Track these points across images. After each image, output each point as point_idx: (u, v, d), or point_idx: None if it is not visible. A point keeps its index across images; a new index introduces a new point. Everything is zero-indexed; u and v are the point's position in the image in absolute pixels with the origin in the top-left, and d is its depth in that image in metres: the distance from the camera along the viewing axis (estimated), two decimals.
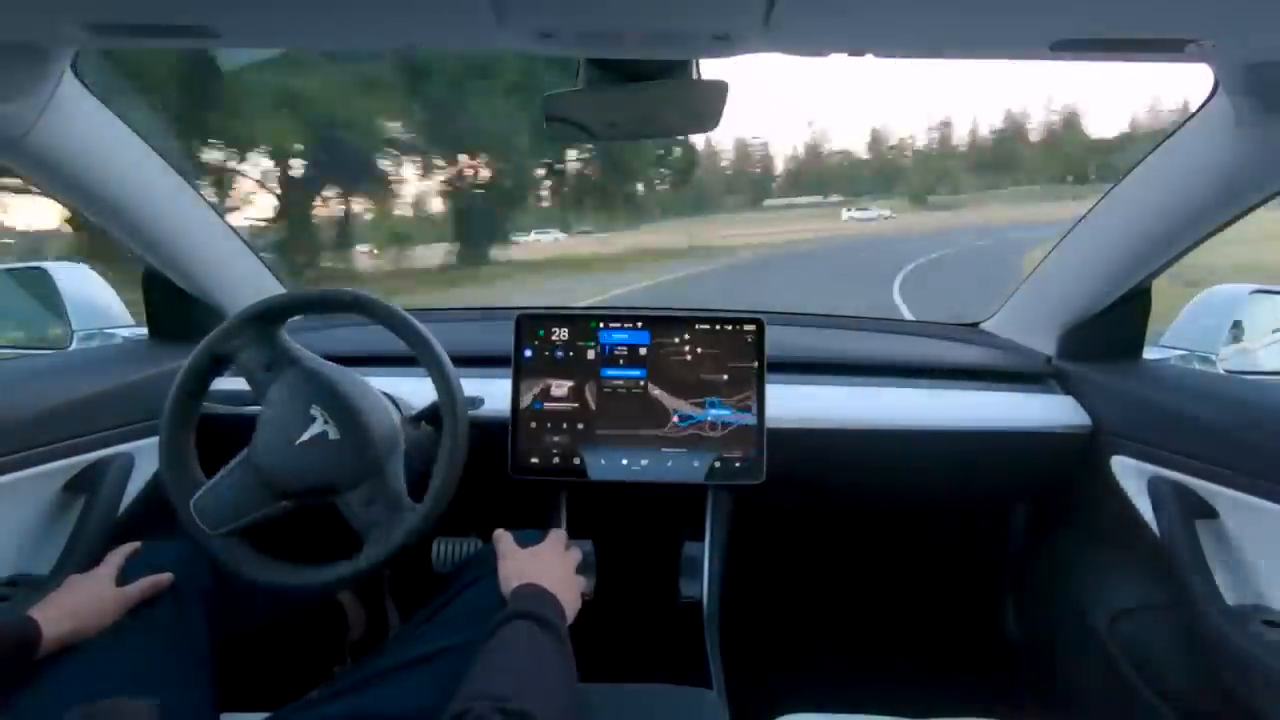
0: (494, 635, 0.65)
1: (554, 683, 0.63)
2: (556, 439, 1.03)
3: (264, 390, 0.84)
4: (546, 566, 0.77)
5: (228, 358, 0.87)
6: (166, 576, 0.78)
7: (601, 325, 1.04)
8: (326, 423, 0.82)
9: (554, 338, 1.04)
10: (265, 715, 0.73)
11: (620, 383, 1.03)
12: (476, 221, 16.42)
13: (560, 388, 1.03)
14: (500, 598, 0.74)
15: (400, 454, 0.87)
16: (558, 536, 0.85)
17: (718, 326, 1.04)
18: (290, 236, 12.86)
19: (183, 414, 0.85)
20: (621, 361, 1.04)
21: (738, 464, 1.01)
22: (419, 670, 0.72)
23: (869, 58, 0.64)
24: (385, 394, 0.93)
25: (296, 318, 1.32)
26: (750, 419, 1.02)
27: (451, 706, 0.56)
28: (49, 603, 0.72)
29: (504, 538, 0.82)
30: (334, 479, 0.82)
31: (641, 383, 1.03)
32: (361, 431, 0.82)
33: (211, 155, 11.11)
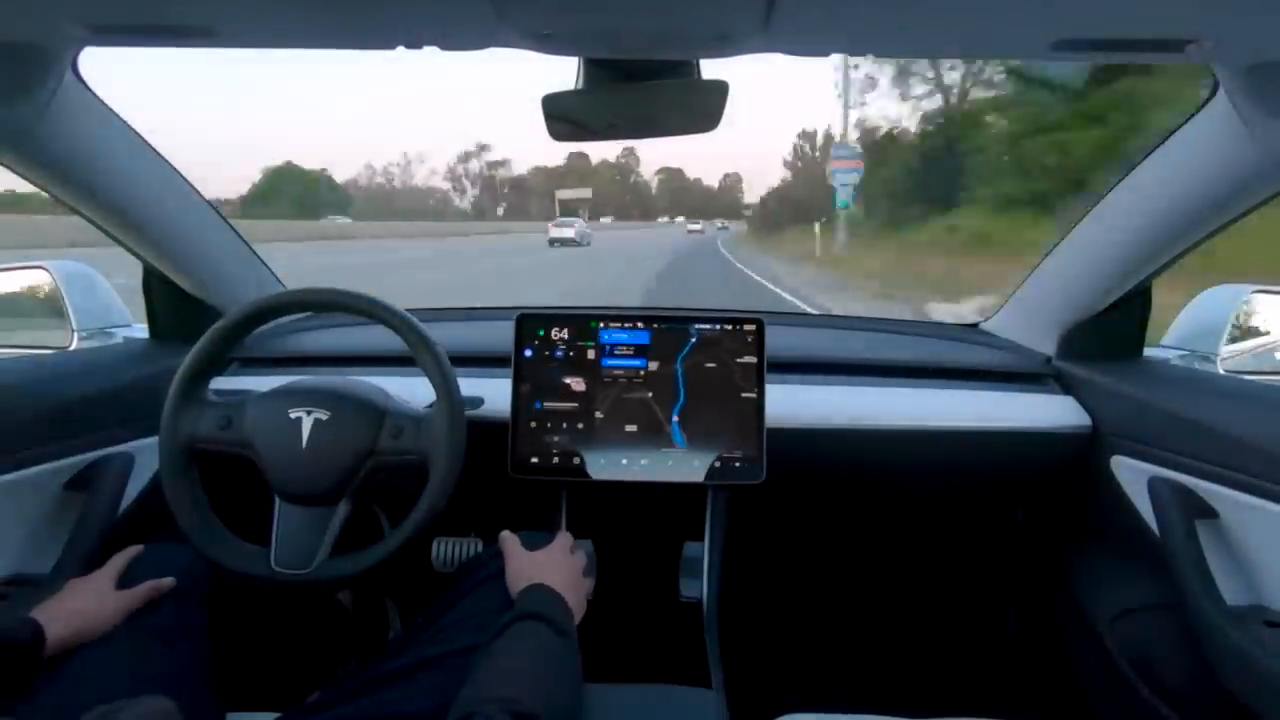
0: (502, 635, 0.65)
1: (562, 685, 0.62)
2: (556, 439, 1.03)
3: (239, 438, 0.84)
4: (554, 568, 0.77)
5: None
6: (168, 580, 0.78)
7: (602, 325, 1.04)
8: (310, 413, 0.84)
9: (554, 337, 1.04)
10: (270, 716, 0.73)
11: (620, 382, 1.03)
12: None
13: (560, 387, 1.03)
14: (506, 599, 0.74)
15: (390, 397, 0.90)
16: (564, 538, 0.85)
17: (718, 326, 1.04)
18: None
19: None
20: (622, 361, 1.04)
21: (738, 464, 1.01)
22: (425, 673, 0.72)
23: (869, 58, 0.64)
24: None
25: (295, 316, 1.33)
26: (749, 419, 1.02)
27: (458, 707, 0.55)
28: (51, 605, 0.72)
29: (510, 539, 0.82)
30: (356, 442, 0.83)
31: (642, 382, 1.03)
32: (339, 392, 0.87)
33: None
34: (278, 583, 0.82)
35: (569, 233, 24.96)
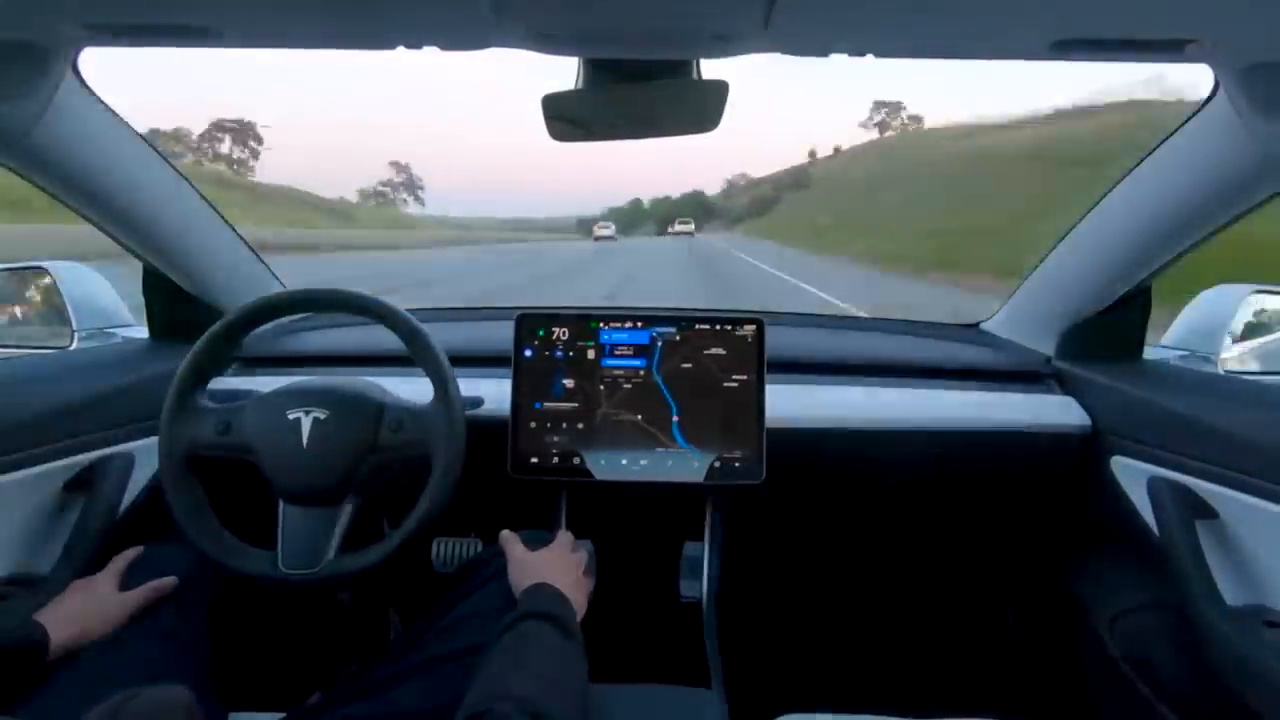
0: (509, 634, 0.65)
1: (572, 684, 0.62)
2: (556, 439, 1.03)
3: (239, 442, 0.84)
4: (556, 567, 0.78)
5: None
6: (169, 580, 0.78)
7: (602, 325, 1.04)
8: (308, 413, 0.84)
9: (554, 337, 1.04)
10: (272, 717, 0.73)
11: (620, 383, 1.03)
12: None
13: (560, 387, 1.03)
14: (508, 600, 0.74)
15: (387, 392, 0.90)
16: (565, 537, 0.85)
17: (718, 326, 1.04)
18: None
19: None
20: (622, 361, 1.04)
21: (737, 464, 1.01)
22: (427, 674, 0.72)
23: (869, 58, 0.64)
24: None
25: (295, 316, 1.33)
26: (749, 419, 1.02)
27: (468, 704, 0.55)
28: (53, 608, 0.72)
29: (512, 539, 0.82)
30: (357, 438, 0.83)
31: (642, 382, 1.03)
32: (336, 390, 0.87)
33: None
34: (289, 583, 0.82)
35: (609, 232, 37.33)
